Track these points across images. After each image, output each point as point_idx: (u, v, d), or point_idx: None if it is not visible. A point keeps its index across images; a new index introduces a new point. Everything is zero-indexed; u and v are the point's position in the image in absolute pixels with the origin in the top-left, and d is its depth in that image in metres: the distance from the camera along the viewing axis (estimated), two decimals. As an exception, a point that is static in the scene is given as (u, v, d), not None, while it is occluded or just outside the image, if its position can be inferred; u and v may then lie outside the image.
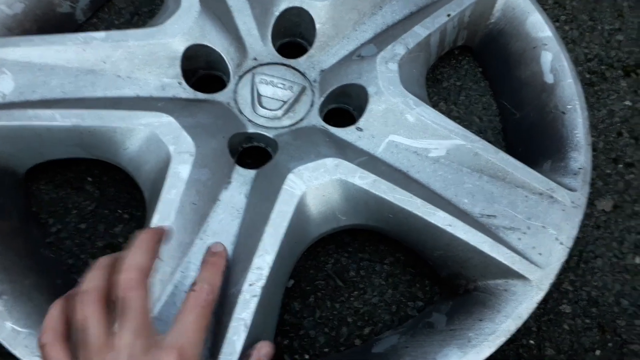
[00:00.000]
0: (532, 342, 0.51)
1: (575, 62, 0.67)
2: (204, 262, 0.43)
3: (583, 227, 0.58)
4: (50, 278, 0.49)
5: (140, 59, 0.53)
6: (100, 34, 0.53)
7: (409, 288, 0.53)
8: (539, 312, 0.54)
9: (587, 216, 0.58)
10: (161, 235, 0.39)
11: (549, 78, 0.58)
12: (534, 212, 0.48)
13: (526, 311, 0.45)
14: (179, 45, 0.53)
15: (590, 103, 0.65)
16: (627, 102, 0.65)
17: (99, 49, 0.52)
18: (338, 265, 0.53)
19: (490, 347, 0.44)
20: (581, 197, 0.50)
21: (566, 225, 0.48)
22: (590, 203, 0.59)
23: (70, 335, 0.34)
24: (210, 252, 0.45)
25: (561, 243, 0.47)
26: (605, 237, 0.58)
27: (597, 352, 0.51)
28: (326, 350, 0.49)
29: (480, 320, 0.45)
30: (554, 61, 0.58)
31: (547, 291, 0.45)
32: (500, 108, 0.64)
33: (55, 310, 0.35)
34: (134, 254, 0.35)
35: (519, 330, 0.50)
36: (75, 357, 0.33)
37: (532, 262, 0.46)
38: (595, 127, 0.64)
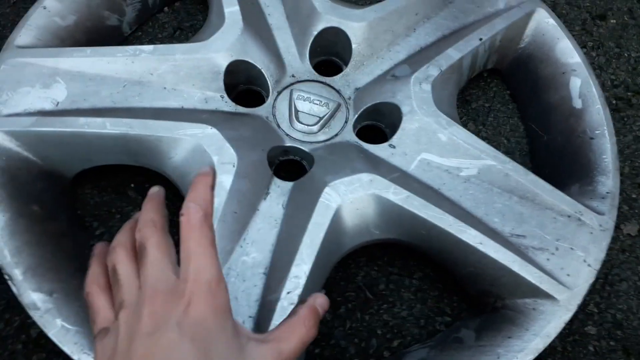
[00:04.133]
0: (557, 361, 0.52)
1: (602, 88, 0.68)
2: (191, 184, 0.39)
3: (609, 250, 0.58)
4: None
5: (185, 72, 0.55)
6: (149, 47, 0.55)
7: (437, 303, 0.54)
8: (564, 333, 0.54)
9: (613, 240, 0.59)
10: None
11: (577, 103, 0.59)
12: (563, 233, 0.50)
13: (554, 330, 0.46)
14: (222, 61, 0.56)
15: (617, 128, 0.66)
16: None
17: (147, 61, 0.55)
18: (368, 278, 0.55)
19: (518, 364, 0.45)
20: (609, 220, 0.51)
21: (594, 248, 0.49)
22: (616, 227, 0.60)
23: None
24: (196, 174, 0.40)
25: (589, 265, 0.49)
26: (630, 261, 0.59)
27: None
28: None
29: (509, 338, 0.46)
30: (582, 87, 0.59)
31: (575, 312, 0.46)
32: (528, 130, 0.65)
33: (94, 266, 0.40)
34: (147, 211, 0.39)
35: (544, 350, 0.51)
36: (113, 302, 0.37)
37: (560, 282, 0.47)
38: (621, 152, 0.65)
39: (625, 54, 0.72)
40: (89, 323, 0.38)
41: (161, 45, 0.56)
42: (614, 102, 0.69)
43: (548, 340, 0.46)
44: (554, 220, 0.50)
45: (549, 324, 0.46)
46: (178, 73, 0.55)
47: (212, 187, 0.39)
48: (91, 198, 0.57)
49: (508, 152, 0.64)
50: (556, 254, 0.49)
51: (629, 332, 0.55)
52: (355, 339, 0.52)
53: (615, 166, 0.54)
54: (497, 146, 0.64)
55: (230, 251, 0.47)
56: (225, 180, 0.49)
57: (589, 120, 0.58)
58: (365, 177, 0.50)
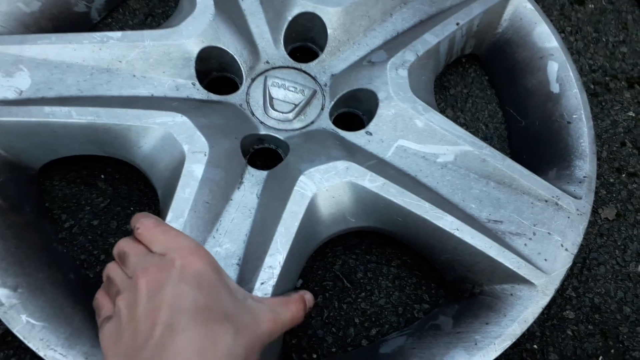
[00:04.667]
0: (535, 346, 0.52)
1: (580, 72, 0.68)
2: None
3: (586, 234, 0.58)
4: (63, 273, 0.49)
5: (155, 59, 0.54)
6: (117, 34, 0.54)
7: (415, 291, 0.54)
8: (543, 318, 0.54)
9: (591, 224, 0.60)
10: None
11: (554, 88, 0.59)
12: (540, 218, 0.49)
13: (532, 315, 0.46)
14: (194, 47, 0.54)
15: (594, 113, 0.66)
16: (631, 113, 0.66)
17: (115, 48, 0.53)
18: (346, 266, 0.54)
19: (496, 350, 0.45)
20: (586, 204, 0.51)
21: (571, 232, 0.49)
22: (594, 211, 0.60)
23: None
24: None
25: (566, 249, 0.48)
26: (608, 245, 0.59)
27: (600, 358, 0.52)
28: (334, 350, 0.50)
29: (487, 324, 0.46)
30: (560, 71, 0.59)
31: (552, 296, 0.46)
32: (506, 116, 0.65)
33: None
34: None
35: (523, 335, 0.51)
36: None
37: (537, 267, 0.47)
38: (599, 137, 0.65)
39: (603, 39, 0.72)
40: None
41: (130, 32, 0.54)
42: (592, 86, 0.68)
43: (525, 326, 0.45)
44: (531, 205, 0.50)
45: (526, 309, 0.46)
46: (148, 60, 0.54)
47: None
48: (60, 190, 0.56)
49: (486, 138, 0.64)
50: (533, 239, 0.49)
51: (606, 315, 0.55)
52: (332, 328, 0.51)
53: (592, 150, 0.54)
54: (475, 132, 0.64)
55: (203, 242, 0.46)
56: (197, 169, 0.47)
57: (566, 105, 0.57)
58: (340, 164, 0.49)
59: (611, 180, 0.62)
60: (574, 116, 0.56)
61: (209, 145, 0.48)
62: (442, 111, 0.65)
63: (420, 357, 0.46)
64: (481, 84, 0.67)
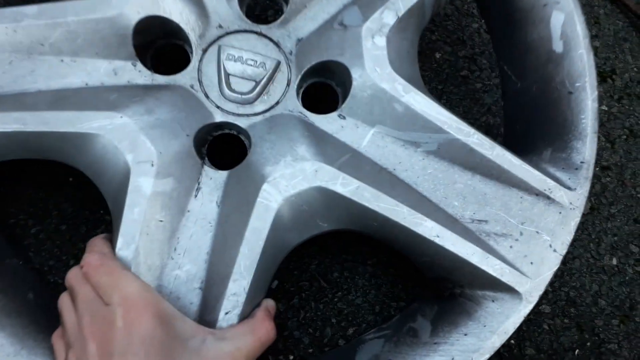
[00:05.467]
0: (512, 341, 0.52)
1: None
2: None
3: None
4: (21, 296, 0.46)
5: (83, 39, 0.45)
6: (32, 9, 0.44)
7: (392, 289, 0.52)
8: None
9: None
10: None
11: (557, 46, 0.50)
12: (529, 215, 0.45)
13: (512, 326, 0.44)
14: (128, 19, 0.45)
15: None
16: (604, 107, 0.64)
17: (33, 28, 0.44)
18: (322, 266, 0.52)
19: (473, 361, 0.43)
20: (580, 197, 0.46)
21: (561, 230, 0.45)
22: None
23: None
24: None
25: (554, 250, 0.45)
26: (582, 239, 0.58)
27: (577, 352, 0.52)
28: (310, 350, 0.49)
29: (465, 335, 0.44)
30: (565, 25, 0.50)
31: (535, 304, 0.44)
32: (502, 74, 0.57)
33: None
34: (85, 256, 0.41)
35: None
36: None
37: (522, 272, 0.44)
38: None
39: None
40: None
41: (48, 5, 0.45)
42: None
43: (505, 337, 0.44)
44: (520, 201, 0.46)
45: (507, 319, 0.44)
46: (75, 40, 0.45)
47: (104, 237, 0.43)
48: (26, 194, 0.51)
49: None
50: (520, 239, 0.45)
51: (582, 309, 0.54)
52: (309, 329, 0.50)
53: (594, 129, 0.48)
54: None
55: (161, 266, 0.42)
56: (145, 183, 0.42)
57: (569, 69, 0.49)
58: (309, 167, 0.43)
59: None
60: (577, 84, 0.49)
61: (156, 151, 0.42)
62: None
63: (395, 358, 0.46)
64: (455, 79, 0.62)
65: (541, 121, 0.51)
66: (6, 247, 0.49)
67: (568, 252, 0.53)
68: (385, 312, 0.51)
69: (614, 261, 0.57)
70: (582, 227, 0.58)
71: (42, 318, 0.45)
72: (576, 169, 0.47)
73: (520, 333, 0.52)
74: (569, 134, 0.48)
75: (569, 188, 0.46)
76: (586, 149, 0.47)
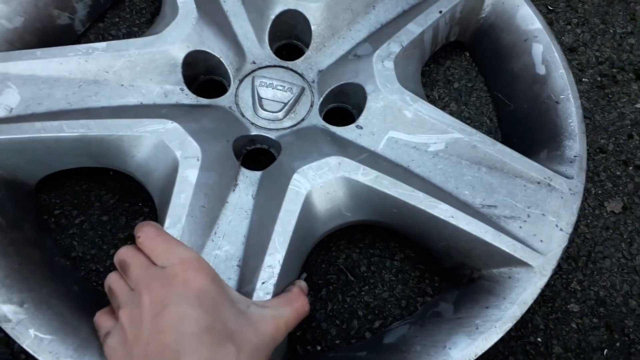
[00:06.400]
0: (539, 339, 0.53)
1: (587, 64, 0.68)
2: None
3: (592, 228, 0.59)
4: (66, 286, 0.49)
5: (141, 67, 0.54)
6: (102, 45, 0.54)
7: (419, 284, 0.54)
8: (547, 311, 0.55)
9: (596, 217, 0.60)
10: None
11: (540, 69, 0.59)
12: (533, 200, 0.50)
13: (530, 297, 0.46)
14: (179, 52, 0.54)
15: (601, 105, 0.66)
16: (638, 105, 0.66)
17: (101, 59, 0.53)
18: (349, 260, 0.55)
19: (497, 333, 0.45)
20: (578, 184, 0.51)
21: (565, 212, 0.50)
22: (600, 204, 0.61)
23: None
24: None
25: (561, 229, 0.49)
26: (614, 238, 0.59)
27: (605, 352, 0.53)
28: (337, 342, 0.51)
29: (487, 308, 0.47)
30: (545, 52, 0.59)
31: (550, 277, 0.47)
32: (495, 101, 0.65)
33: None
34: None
35: (527, 328, 0.52)
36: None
37: (533, 249, 0.48)
38: (605, 130, 0.65)
39: (611, 30, 0.72)
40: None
41: (114, 42, 0.54)
42: (599, 79, 0.68)
43: (525, 307, 0.46)
44: (524, 188, 0.51)
45: (525, 291, 0.47)
46: (134, 69, 0.54)
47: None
48: (70, 187, 0.56)
49: (490, 132, 0.64)
50: (528, 221, 0.49)
51: (612, 309, 0.55)
52: (336, 321, 0.52)
53: (582, 129, 0.55)
54: (479, 126, 0.64)
55: (202, 246, 0.47)
56: (191, 174, 0.48)
57: (553, 86, 0.58)
58: (333, 160, 0.49)
59: (617, 173, 0.63)
60: (562, 97, 0.57)
61: (201, 149, 0.49)
62: (446, 105, 0.65)
63: (423, 345, 0.47)
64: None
65: (534, 130, 0.58)
66: (54, 248, 0.54)
67: (598, 252, 0.57)
68: (411, 307, 0.53)
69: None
70: (613, 227, 0.59)
71: (84, 306, 0.48)
72: (571, 162, 0.53)
73: (547, 331, 0.53)
74: (561, 135, 0.55)
75: (567, 177, 0.51)
76: (577, 145, 0.54)
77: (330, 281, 0.54)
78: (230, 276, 0.46)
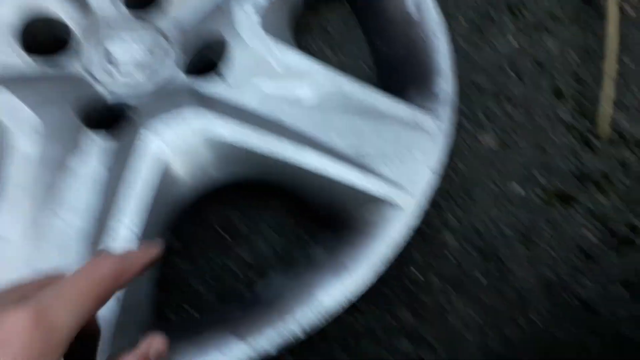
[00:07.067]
0: (420, 275, 0.53)
1: (464, 3, 0.67)
2: None
3: (467, 161, 0.59)
4: None
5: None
6: None
7: (296, 234, 0.53)
8: (426, 247, 0.55)
9: (472, 152, 0.60)
10: None
11: (412, 11, 0.58)
12: (403, 142, 0.49)
13: (400, 236, 0.46)
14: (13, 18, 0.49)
15: (474, 42, 0.66)
16: (512, 42, 0.66)
17: None
18: (225, 219, 0.53)
19: (367, 273, 0.44)
20: (447, 122, 0.51)
21: (433, 151, 0.49)
22: (475, 140, 0.61)
23: None
24: None
25: (429, 169, 0.48)
26: (489, 171, 0.60)
27: (483, 280, 0.53)
28: (213, 301, 0.49)
29: (357, 249, 0.46)
30: (415, -4, 0.58)
31: (421, 216, 0.46)
32: (371, 46, 0.64)
33: None
34: None
35: (403, 264, 0.51)
36: None
37: (403, 189, 0.47)
38: (483, 68, 0.65)
39: None
40: None
41: None
42: (475, 18, 0.67)
43: (395, 246, 0.45)
44: (394, 131, 0.49)
45: (395, 231, 0.46)
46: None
47: None
48: None
49: (369, 78, 0.62)
50: (397, 163, 0.48)
51: (487, 238, 0.56)
52: (211, 282, 0.50)
53: (451, 68, 0.54)
54: (357, 72, 0.62)
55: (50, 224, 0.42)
56: (31, 147, 0.43)
57: (424, 26, 0.56)
58: (187, 111, 0.46)
59: (493, 109, 0.63)
60: (431, 35, 0.56)
61: (42, 121, 0.44)
62: (322, 51, 0.63)
63: (292, 289, 0.46)
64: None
65: (407, 71, 0.57)
66: None
67: (473, 184, 0.56)
68: (288, 257, 0.52)
69: (520, 191, 0.59)
70: (488, 160, 0.60)
71: None
72: (440, 100, 0.52)
73: (426, 267, 0.53)
74: (430, 73, 0.54)
75: (435, 116, 0.51)
76: (446, 83, 0.53)
77: (206, 244, 0.51)
78: (79, 251, 0.42)
